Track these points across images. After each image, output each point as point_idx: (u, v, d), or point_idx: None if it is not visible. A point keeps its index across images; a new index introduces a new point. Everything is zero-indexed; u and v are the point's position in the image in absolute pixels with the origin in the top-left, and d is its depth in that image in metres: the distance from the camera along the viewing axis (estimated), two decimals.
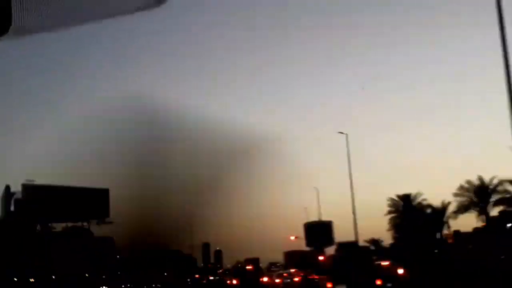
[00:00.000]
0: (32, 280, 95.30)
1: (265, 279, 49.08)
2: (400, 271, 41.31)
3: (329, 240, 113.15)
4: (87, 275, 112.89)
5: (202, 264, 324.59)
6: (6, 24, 3.55)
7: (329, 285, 35.65)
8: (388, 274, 40.55)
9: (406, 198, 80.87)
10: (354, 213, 64.88)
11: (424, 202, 79.50)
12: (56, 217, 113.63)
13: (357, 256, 40.49)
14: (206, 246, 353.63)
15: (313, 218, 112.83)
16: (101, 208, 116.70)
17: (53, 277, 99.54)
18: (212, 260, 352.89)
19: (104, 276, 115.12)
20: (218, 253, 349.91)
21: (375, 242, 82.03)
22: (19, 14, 3.70)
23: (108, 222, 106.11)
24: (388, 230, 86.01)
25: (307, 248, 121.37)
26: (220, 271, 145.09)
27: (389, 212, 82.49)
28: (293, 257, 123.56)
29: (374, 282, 40.50)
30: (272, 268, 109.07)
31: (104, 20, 4.31)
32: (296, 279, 51.83)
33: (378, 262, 43.62)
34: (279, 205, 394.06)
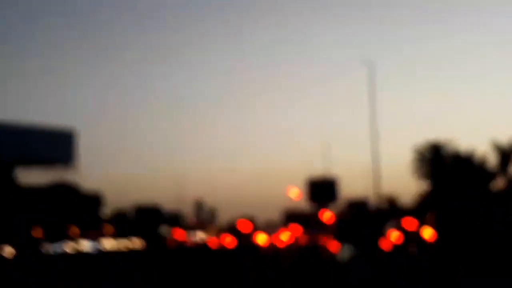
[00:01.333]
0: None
1: (260, 241, 39.47)
2: (428, 234, 32.14)
3: (333, 197, 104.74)
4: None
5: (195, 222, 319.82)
6: None
7: (333, 248, 26.82)
8: (414, 237, 31.66)
9: (436, 146, 67.67)
10: (376, 160, 51.21)
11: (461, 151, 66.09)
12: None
13: (368, 217, 31.16)
14: (199, 203, 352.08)
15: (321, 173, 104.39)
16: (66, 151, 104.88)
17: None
18: (207, 218, 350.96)
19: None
20: (213, 211, 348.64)
21: (390, 200, 69.84)
22: None
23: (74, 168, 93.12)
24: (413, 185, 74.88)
25: (308, 207, 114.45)
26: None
27: (415, 164, 67.95)
28: (291, 216, 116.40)
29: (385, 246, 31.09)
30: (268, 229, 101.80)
31: None
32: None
33: (400, 222, 34.69)
34: (282, 160, 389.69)
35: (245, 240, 51.75)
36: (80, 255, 69.41)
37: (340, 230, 27.80)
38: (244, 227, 78.66)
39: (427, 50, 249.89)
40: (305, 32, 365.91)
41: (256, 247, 40.94)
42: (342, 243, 28.38)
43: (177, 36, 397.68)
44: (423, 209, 64.68)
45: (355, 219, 28.59)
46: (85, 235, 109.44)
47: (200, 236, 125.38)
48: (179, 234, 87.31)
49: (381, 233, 28.47)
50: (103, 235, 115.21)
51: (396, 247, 31.62)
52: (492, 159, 65.21)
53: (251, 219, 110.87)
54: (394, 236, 31.45)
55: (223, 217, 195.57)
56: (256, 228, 45.41)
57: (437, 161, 65.59)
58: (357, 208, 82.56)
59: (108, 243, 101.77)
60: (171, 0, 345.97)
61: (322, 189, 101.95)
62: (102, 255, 66.74)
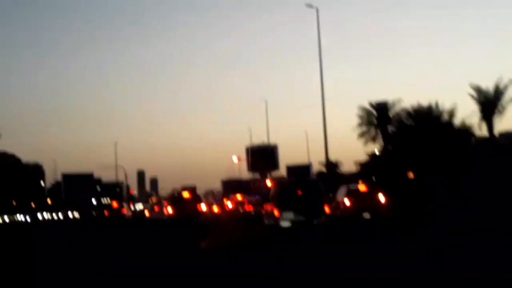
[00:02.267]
0: None
1: (204, 207, 38.59)
2: (382, 199, 31.58)
3: (273, 164, 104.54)
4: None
5: (136, 193, 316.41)
6: None
7: (276, 212, 25.96)
8: (366, 203, 31.08)
9: (382, 106, 63.63)
10: (325, 127, 48.74)
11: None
12: None
13: (308, 182, 30.55)
14: (141, 174, 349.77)
15: (260, 141, 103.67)
16: None
17: None
18: (148, 189, 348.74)
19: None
20: (154, 181, 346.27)
21: (331, 165, 66.77)
22: None
23: None
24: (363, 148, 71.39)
25: (248, 176, 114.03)
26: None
27: (359, 125, 64.20)
28: (231, 186, 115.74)
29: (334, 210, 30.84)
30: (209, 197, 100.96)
31: None
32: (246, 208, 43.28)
33: (352, 187, 34.08)
34: (221, 128, 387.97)
35: (185, 208, 50.70)
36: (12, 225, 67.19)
37: (280, 196, 27.09)
38: (185, 196, 77.37)
39: None
40: None
41: (197, 215, 39.75)
42: (282, 210, 27.66)
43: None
44: (368, 173, 63.30)
45: (295, 184, 27.61)
46: (24, 208, 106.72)
47: (139, 207, 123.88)
48: (116, 205, 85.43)
49: (325, 199, 27.87)
50: (42, 207, 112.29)
51: (346, 213, 30.91)
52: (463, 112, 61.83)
53: (193, 189, 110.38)
54: (344, 201, 30.73)
55: (164, 188, 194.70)
56: (197, 197, 44.66)
57: (385, 121, 63.37)
58: (299, 173, 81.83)
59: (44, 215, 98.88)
60: None
61: (262, 157, 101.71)
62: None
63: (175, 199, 43.36)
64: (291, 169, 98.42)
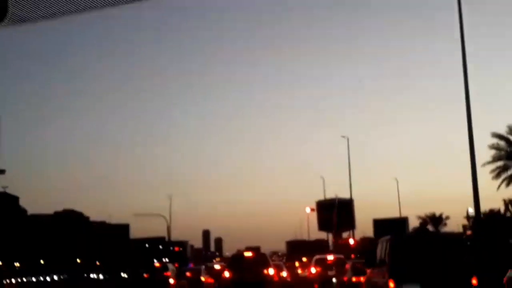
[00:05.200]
0: None
1: (271, 271, 27.90)
2: None
3: (350, 221, 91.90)
4: None
5: (204, 252, 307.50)
6: (2, 12, 3.79)
7: (391, 284, 13.69)
8: None
9: None
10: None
11: None
12: None
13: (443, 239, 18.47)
14: (206, 233, 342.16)
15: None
16: None
17: None
18: (212, 248, 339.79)
19: None
20: (219, 241, 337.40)
21: (435, 219, 53.47)
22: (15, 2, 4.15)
23: None
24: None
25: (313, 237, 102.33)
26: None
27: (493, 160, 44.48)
28: (297, 247, 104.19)
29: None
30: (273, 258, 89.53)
31: None
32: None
33: None
34: (283, 194, 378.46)
35: (247, 272, 40.53)
36: None
37: (398, 260, 15.83)
38: (247, 255, 67.14)
39: None
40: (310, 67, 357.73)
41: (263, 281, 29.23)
42: (402, 283, 16.48)
43: (180, 65, 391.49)
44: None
45: (422, 242, 16.50)
46: None
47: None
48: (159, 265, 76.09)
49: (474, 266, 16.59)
50: None
51: None
52: None
53: (257, 249, 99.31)
54: None
55: (229, 249, 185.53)
56: (262, 257, 35.60)
57: None
58: (391, 230, 68.39)
59: None
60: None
61: (337, 212, 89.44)
62: None
63: (234, 260, 32.79)
64: (379, 224, 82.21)
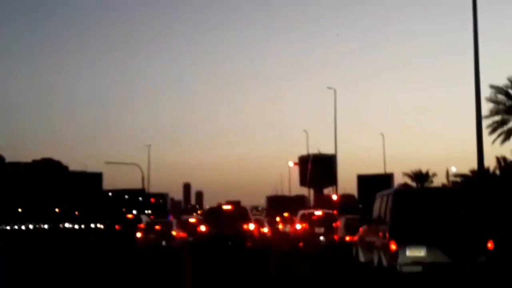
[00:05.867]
0: None
1: (252, 227, 25.22)
2: None
3: (331, 178, 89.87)
4: None
5: (183, 205, 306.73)
6: None
7: (393, 246, 14.31)
8: None
9: None
10: None
11: None
12: None
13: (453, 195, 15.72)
14: (186, 186, 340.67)
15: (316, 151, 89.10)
16: None
17: None
18: (193, 202, 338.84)
19: None
20: (199, 195, 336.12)
21: (421, 176, 50.82)
22: None
23: None
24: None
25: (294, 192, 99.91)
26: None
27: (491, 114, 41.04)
28: (277, 202, 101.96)
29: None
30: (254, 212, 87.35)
31: None
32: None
33: None
34: (266, 149, 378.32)
35: (225, 226, 38.23)
36: None
37: (399, 218, 13.42)
38: (226, 209, 64.90)
39: None
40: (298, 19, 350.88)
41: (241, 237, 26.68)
42: (404, 243, 13.94)
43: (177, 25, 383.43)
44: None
45: (427, 198, 13.89)
46: None
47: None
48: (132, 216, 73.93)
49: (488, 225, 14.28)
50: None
51: None
52: None
53: (237, 203, 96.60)
54: None
55: (211, 202, 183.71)
56: (242, 212, 33.66)
57: None
58: (375, 186, 65.50)
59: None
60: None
61: (320, 168, 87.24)
62: None
63: (212, 213, 30.18)
64: (363, 180, 78.97)
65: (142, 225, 33.75)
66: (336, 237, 28.24)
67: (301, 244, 29.10)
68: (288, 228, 59.77)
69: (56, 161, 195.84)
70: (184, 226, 35.43)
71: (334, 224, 29.13)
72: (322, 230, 29.11)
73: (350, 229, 25.04)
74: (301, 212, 32.92)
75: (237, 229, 27.53)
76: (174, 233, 31.24)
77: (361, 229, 18.93)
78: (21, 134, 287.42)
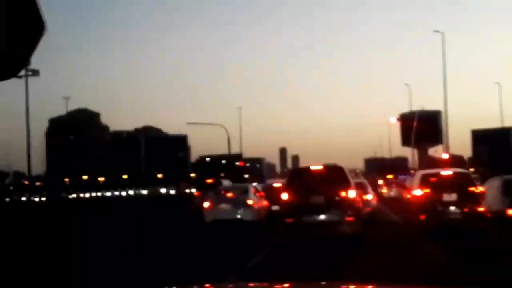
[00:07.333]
0: None
1: (352, 194, 17.28)
2: None
3: (437, 136, 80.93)
4: None
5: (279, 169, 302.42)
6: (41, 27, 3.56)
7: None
8: None
9: None
10: None
11: None
12: None
13: None
14: (282, 150, 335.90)
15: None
16: None
17: None
18: (289, 166, 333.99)
19: None
20: (295, 159, 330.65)
21: None
22: None
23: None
24: None
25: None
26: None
27: None
28: (374, 165, 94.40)
29: None
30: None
31: None
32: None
33: None
34: (366, 111, 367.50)
35: (315, 193, 31.88)
36: None
37: None
38: (314, 170, 59.06)
39: None
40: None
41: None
42: None
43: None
44: None
45: None
46: None
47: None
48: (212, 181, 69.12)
49: None
50: None
51: None
52: None
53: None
54: None
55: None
56: (339, 175, 28.38)
57: None
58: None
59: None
60: None
61: (426, 126, 78.69)
62: None
63: (296, 176, 23.02)
64: (478, 136, 70.56)
65: (197, 193, 27.39)
66: (485, 209, 19.82)
67: (421, 217, 21.31)
68: (393, 193, 52.16)
69: (157, 128, 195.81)
70: (269, 192, 28.43)
71: (470, 189, 21.07)
72: (453, 197, 20.96)
73: None
74: (420, 172, 24.87)
75: (331, 198, 20.51)
76: (250, 201, 24.52)
77: None
78: (123, 103, 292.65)
